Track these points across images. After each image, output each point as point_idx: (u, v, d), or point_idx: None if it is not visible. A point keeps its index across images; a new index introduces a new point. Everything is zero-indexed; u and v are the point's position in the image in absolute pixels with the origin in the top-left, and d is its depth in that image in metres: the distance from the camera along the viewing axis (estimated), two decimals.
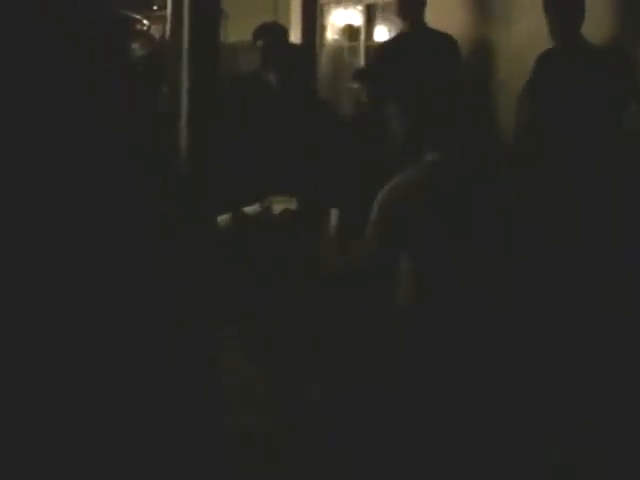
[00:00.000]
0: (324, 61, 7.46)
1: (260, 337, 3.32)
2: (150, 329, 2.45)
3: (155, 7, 7.48)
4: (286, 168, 4.29)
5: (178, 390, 2.48)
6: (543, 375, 3.14)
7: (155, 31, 6.74)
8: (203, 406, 2.57)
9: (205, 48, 2.80)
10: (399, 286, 3.08)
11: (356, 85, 5.07)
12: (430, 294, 3.03)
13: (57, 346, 2.29)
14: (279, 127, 4.62)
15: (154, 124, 2.98)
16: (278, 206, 3.95)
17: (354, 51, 7.35)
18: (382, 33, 7.10)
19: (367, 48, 7.14)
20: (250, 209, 3.94)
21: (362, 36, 7.22)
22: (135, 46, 5.69)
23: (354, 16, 7.36)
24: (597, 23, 5.05)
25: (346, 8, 7.42)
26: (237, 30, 6.41)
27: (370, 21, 7.18)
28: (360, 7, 7.24)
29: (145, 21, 6.58)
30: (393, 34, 6.85)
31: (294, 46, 6.23)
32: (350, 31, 7.43)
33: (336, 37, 7.58)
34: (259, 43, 5.86)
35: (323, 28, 7.58)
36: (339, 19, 7.53)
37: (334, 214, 4.39)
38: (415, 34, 5.74)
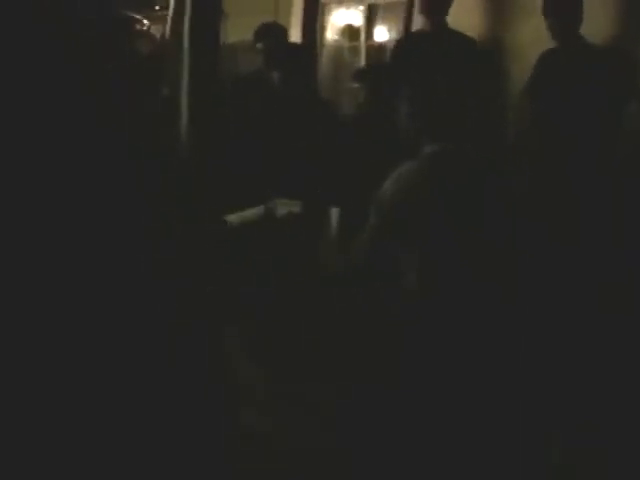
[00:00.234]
0: (324, 61, 7.45)
1: (260, 337, 3.32)
2: (150, 329, 2.45)
3: (156, 7, 7.47)
4: (288, 168, 4.29)
5: (178, 390, 2.49)
6: (543, 375, 3.14)
7: (155, 31, 6.73)
8: (203, 406, 2.57)
9: (206, 48, 2.80)
10: (403, 279, 3.08)
11: (356, 85, 5.07)
12: (433, 286, 3.04)
13: (57, 346, 2.29)
14: (281, 127, 4.63)
15: (154, 124, 2.98)
16: (282, 209, 3.95)
17: (355, 51, 7.35)
18: (383, 33, 7.10)
19: (368, 48, 7.14)
20: (250, 213, 3.95)
21: (363, 36, 7.22)
22: (135, 46, 5.69)
23: (355, 16, 7.36)
24: (597, 23, 5.06)
25: (347, 8, 7.42)
26: (237, 30, 6.40)
27: (371, 21, 7.18)
28: (361, 7, 7.24)
29: (145, 21, 6.58)
30: (394, 34, 6.86)
31: (296, 46, 6.23)
32: (351, 31, 7.43)
33: (336, 37, 7.58)
34: (259, 44, 5.87)
35: (324, 28, 7.57)
36: (340, 19, 7.52)
37: (334, 214, 4.39)
38: (436, 34, 5.71)
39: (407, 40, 6.14)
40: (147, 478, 2.46)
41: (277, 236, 3.80)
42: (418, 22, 6.34)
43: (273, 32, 5.94)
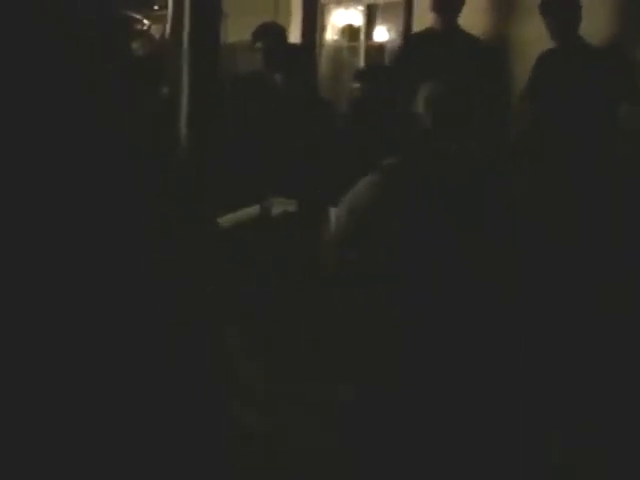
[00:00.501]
0: (324, 61, 7.46)
1: (260, 337, 3.32)
2: (150, 329, 2.45)
3: (155, 7, 7.48)
4: (286, 167, 4.30)
5: (178, 390, 2.48)
6: (543, 375, 3.14)
7: (155, 31, 6.74)
8: (203, 406, 2.57)
9: (205, 48, 2.80)
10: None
11: (357, 85, 5.07)
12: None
13: (57, 345, 2.29)
14: (280, 127, 4.63)
15: (154, 124, 2.98)
16: (278, 208, 3.96)
17: (354, 51, 7.35)
18: (382, 33, 7.10)
19: (367, 48, 7.14)
20: (244, 213, 3.95)
21: (362, 36, 7.22)
22: (135, 46, 5.69)
23: (354, 16, 7.36)
24: (596, 24, 5.06)
25: (347, 8, 7.42)
26: (237, 30, 6.41)
27: (370, 21, 7.18)
28: (361, 7, 7.24)
29: (145, 21, 6.58)
30: (393, 35, 6.86)
31: (295, 46, 6.23)
32: (350, 31, 7.43)
33: (336, 37, 7.58)
34: (259, 44, 5.87)
35: (323, 28, 7.58)
36: (339, 19, 7.53)
37: (333, 214, 4.39)
38: (446, 33, 5.67)
39: (413, 39, 6.11)
40: (147, 478, 2.46)
41: (272, 235, 3.80)
42: (418, 22, 6.34)
43: (272, 32, 5.94)
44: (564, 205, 3.35)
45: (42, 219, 2.28)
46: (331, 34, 7.59)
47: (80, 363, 2.32)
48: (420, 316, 3.03)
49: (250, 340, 3.31)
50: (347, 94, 6.00)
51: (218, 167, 2.92)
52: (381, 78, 4.85)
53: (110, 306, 2.36)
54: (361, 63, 7.03)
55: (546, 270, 3.20)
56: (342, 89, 6.81)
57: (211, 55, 2.82)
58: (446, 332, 2.98)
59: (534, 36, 5.42)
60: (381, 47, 7.08)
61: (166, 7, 3.41)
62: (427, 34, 5.85)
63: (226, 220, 3.76)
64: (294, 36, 7.33)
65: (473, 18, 5.84)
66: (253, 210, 3.97)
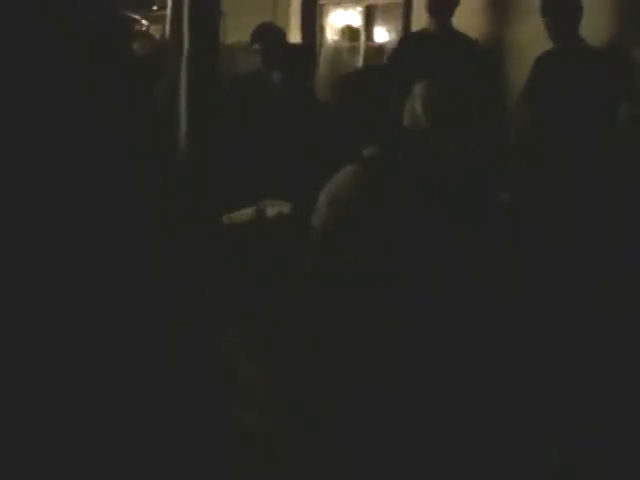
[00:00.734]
0: (323, 62, 7.46)
1: (260, 337, 3.32)
2: (150, 329, 2.45)
3: (154, 7, 7.48)
4: (286, 168, 4.30)
5: (178, 390, 2.49)
6: (543, 375, 3.14)
7: (154, 31, 6.75)
8: (203, 406, 2.57)
9: (205, 48, 2.80)
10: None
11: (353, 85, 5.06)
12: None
13: (57, 345, 2.29)
14: (280, 127, 4.63)
15: (153, 124, 2.98)
16: (272, 209, 3.96)
17: (353, 52, 7.36)
18: (381, 34, 7.10)
19: (366, 49, 7.14)
20: (240, 214, 3.95)
21: (362, 37, 7.22)
22: (134, 46, 5.70)
23: (354, 17, 7.36)
24: (595, 25, 5.06)
25: (346, 9, 7.43)
26: (236, 30, 6.41)
27: (370, 22, 7.19)
28: (360, 8, 7.24)
29: (144, 21, 6.59)
30: (393, 35, 6.86)
31: (295, 46, 6.23)
32: (350, 32, 7.43)
33: (335, 38, 7.59)
34: (256, 46, 5.88)
35: (322, 29, 7.58)
36: (338, 20, 7.53)
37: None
38: (440, 34, 5.70)
39: (409, 39, 6.14)
40: (147, 478, 2.46)
41: (268, 236, 3.80)
42: (417, 23, 6.35)
43: (270, 33, 5.95)
44: (564, 205, 3.34)
45: (42, 219, 2.28)
46: (330, 35, 7.59)
47: (80, 362, 2.32)
48: (419, 316, 3.03)
49: (250, 340, 3.30)
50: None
51: (217, 167, 2.92)
52: (377, 78, 4.84)
53: (110, 306, 2.37)
54: (360, 64, 7.04)
55: (546, 270, 3.20)
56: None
57: (210, 55, 2.82)
58: (446, 332, 2.98)
59: (530, 37, 5.44)
60: (380, 48, 7.09)
61: (165, 7, 3.41)
62: (421, 35, 5.90)
63: (224, 220, 3.76)
64: (293, 37, 7.34)
65: (469, 20, 5.87)
66: (248, 212, 3.97)
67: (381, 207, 3.05)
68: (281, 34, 6.14)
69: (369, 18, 7.18)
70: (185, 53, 2.79)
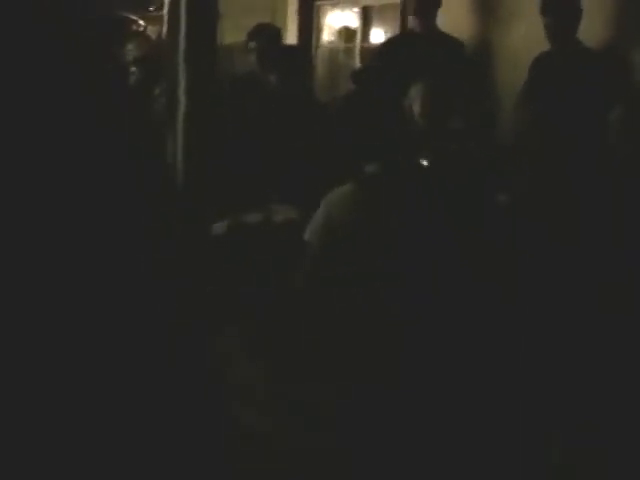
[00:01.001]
0: (319, 63, 7.46)
1: (260, 337, 3.32)
2: (150, 329, 2.45)
3: (151, 8, 7.47)
4: (285, 168, 4.29)
5: (178, 390, 2.48)
6: (543, 375, 3.14)
7: (151, 32, 6.74)
8: (203, 406, 2.57)
9: (202, 49, 2.80)
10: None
11: (354, 86, 5.08)
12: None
13: (56, 345, 2.28)
14: (278, 127, 4.63)
15: (152, 124, 2.98)
16: (279, 216, 3.93)
17: (350, 53, 7.36)
18: (378, 35, 7.11)
19: (363, 50, 7.14)
20: (250, 217, 3.94)
21: (358, 38, 7.23)
22: (131, 47, 5.69)
23: (350, 18, 7.37)
24: (594, 27, 5.07)
25: (342, 10, 7.43)
26: (233, 31, 6.40)
27: (366, 23, 7.19)
28: (356, 9, 7.25)
29: (141, 22, 6.58)
30: (389, 36, 6.86)
31: (290, 47, 6.24)
32: (346, 33, 7.44)
33: (332, 39, 7.59)
34: (252, 45, 5.88)
35: (319, 30, 7.58)
36: (335, 21, 7.54)
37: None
38: (424, 34, 5.73)
39: (393, 41, 6.18)
40: (146, 478, 2.46)
41: (272, 238, 3.79)
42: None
43: (266, 32, 5.95)
44: (564, 205, 3.35)
45: (42, 219, 2.28)
46: (327, 36, 7.59)
47: (79, 363, 2.32)
48: (420, 316, 3.03)
49: (250, 340, 3.30)
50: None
51: (217, 168, 2.92)
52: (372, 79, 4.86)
53: (109, 306, 2.36)
54: (356, 65, 7.04)
55: (546, 270, 3.21)
56: (338, 90, 6.82)
57: (208, 56, 2.82)
58: (446, 332, 2.98)
59: (519, 40, 5.46)
60: (377, 49, 7.09)
61: (162, 8, 3.41)
62: (405, 36, 5.94)
63: (227, 223, 3.76)
64: (290, 37, 7.34)
65: (459, 21, 5.90)
66: (254, 217, 3.95)
67: (380, 224, 3.04)
68: (277, 34, 6.14)
69: (366, 19, 7.18)
70: (182, 54, 2.79)
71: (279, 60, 4.96)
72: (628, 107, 3.69)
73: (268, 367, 3.21)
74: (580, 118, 4.41)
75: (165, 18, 3.20)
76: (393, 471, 2.96)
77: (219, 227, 3.72)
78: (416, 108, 3.47)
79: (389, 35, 6.91)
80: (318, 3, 7.53)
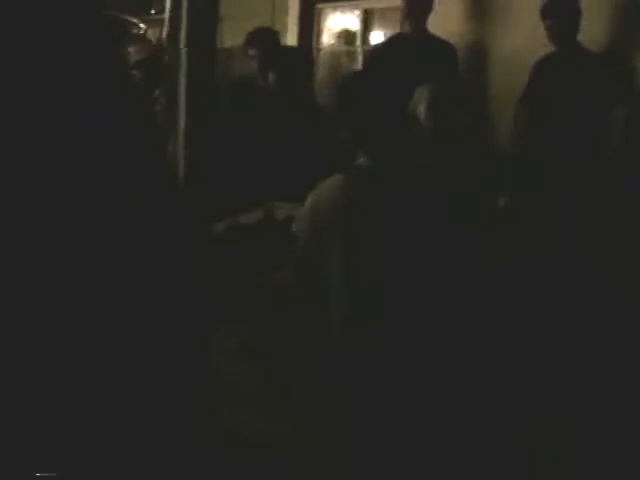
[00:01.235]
0: (320, 66, 7.47)
1: (260, 337, 3.32)
2: (149, 329, 2.45)
3: (152, 11, 7.49)
4: (285, 170, 4.30)
5: (177, 390, 2.48)
6: (543, 374, 3.14)
7: (152, 35, 6.75)
8: (202, 406, 2.57)
9: (202, 52, 2.81)
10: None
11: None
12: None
13: (55, 345, 2.28)
14: (278, 129, 4.64)
15: (152, 127, 2.98)
16: (281, 212, 3.93)
17: (351, 56, 7.37)
18: (379, 38, 7.12)
19: (364, 53, 7.16)
20: (248, 217, 3.93)
21: (359, 41, 7.24)
22: (131, 50, 5.70)
23: (351, 21, 7.38)
24: (594, 30, 5.08)
25: (343, 13, 7.44)
26: (234, 34, 6.42)
27: (367, 26, 7.20)
28: (357, 12, 7.26)
29: (142, 25, 6.59)
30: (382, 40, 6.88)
31: (291, 50, 6.24)
32: (347, 36, 7.45)
33: (333, 42, 7.60)
34: (251, 50, 5.89)
35: (320, 33, 7.59)
36: (336, 24, 7.55)
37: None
38: (415, 38, 5.75)
39: (384, 43, 6.19)
40: (145, 478, 2.46)
41: (274, 238, 3.78)
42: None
43: (264, 37, 5.95)
44: (563, 209, 3.36)
45: (41, 219, 2.28)
46: (328, 38, 7.61)
47: (78, 362, 2.32)
48: (419, 316, 3.03)
49: (249, 342, 3.30)
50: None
51: (216, 169, 2.92)
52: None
53: (108, 306, 2.36)
54: (358, 68, 7.05)
55: (545, 270, 3.21)
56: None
57: (208, 59, 2.82)
58: (446, 332, 2.98)
59: (519, 44, 5.47)
60: (367, 53, 7.10)
61: (163, 11, 3.41)
62: (396, 38, 5.95)
63: (227, 223, 3.76)
64: (291, 40, 7.35)
65: (454, 26, 5.92)
66: (255, 214, 3.95)
67: (366, 216, 3.02)
68: (276, 38, 6.14)
69: (367, 22, 7.19)
70: (183, 57, 2.80)
71: (278, 63, 4.97)
72: (630, 109, 3.69)
73: (268, 368, 3.21)
74: (582, 120, 4.42)
75: (166, 21, 3.21)
76: (393, 471, 2.97)
77: (220, 227, 3.72)
78: (421, 111, 3.47)
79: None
80: (319, 6, 7.55)
